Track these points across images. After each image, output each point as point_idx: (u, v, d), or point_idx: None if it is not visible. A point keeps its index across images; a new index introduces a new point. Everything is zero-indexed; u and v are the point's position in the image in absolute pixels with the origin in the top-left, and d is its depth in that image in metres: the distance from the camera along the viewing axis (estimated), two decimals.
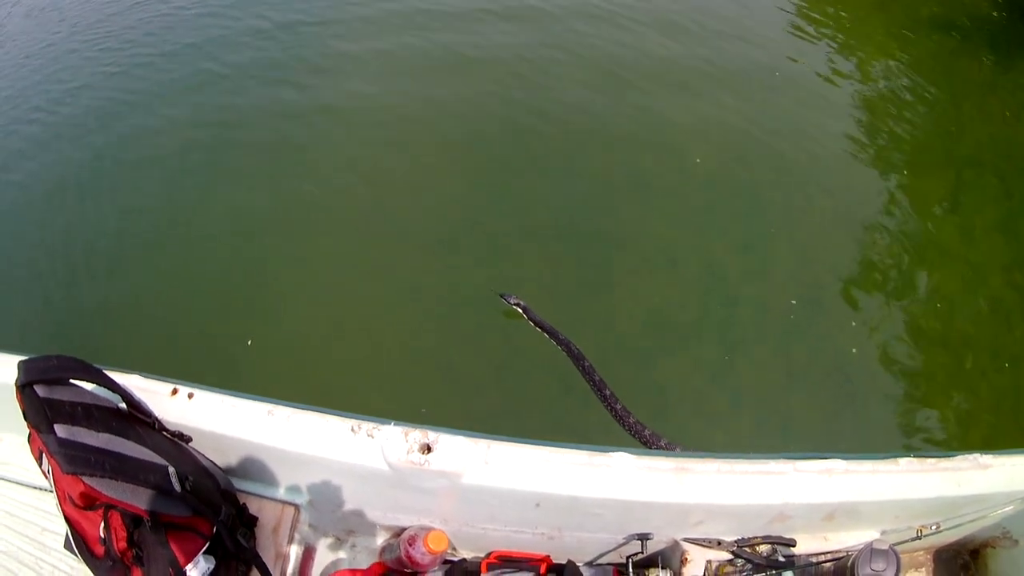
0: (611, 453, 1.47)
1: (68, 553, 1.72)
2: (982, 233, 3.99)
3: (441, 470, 1.42)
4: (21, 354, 1.74)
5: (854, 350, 3.39)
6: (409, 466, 1.42)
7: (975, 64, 5.15)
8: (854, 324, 3.48)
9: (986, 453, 1.51)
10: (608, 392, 2.46)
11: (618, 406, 2.37)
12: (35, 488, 1.83)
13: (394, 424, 1.47)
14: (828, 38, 5.33)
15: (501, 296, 3.18)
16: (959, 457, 1.50)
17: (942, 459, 1.50)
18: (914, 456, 1.49)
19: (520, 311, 3.11)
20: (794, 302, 3.52)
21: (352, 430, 1.47)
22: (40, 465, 1.55)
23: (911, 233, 3.93)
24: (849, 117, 4.62)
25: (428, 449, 1.43)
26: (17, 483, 1.85)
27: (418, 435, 1.45)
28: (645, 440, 2.22)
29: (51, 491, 1.81)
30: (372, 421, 1.48)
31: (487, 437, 1.47)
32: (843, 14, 5.63)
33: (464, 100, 4.59)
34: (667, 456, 1.48)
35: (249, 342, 3.33)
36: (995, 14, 5.69)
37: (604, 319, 3.44)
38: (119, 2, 5.96)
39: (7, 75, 5.53)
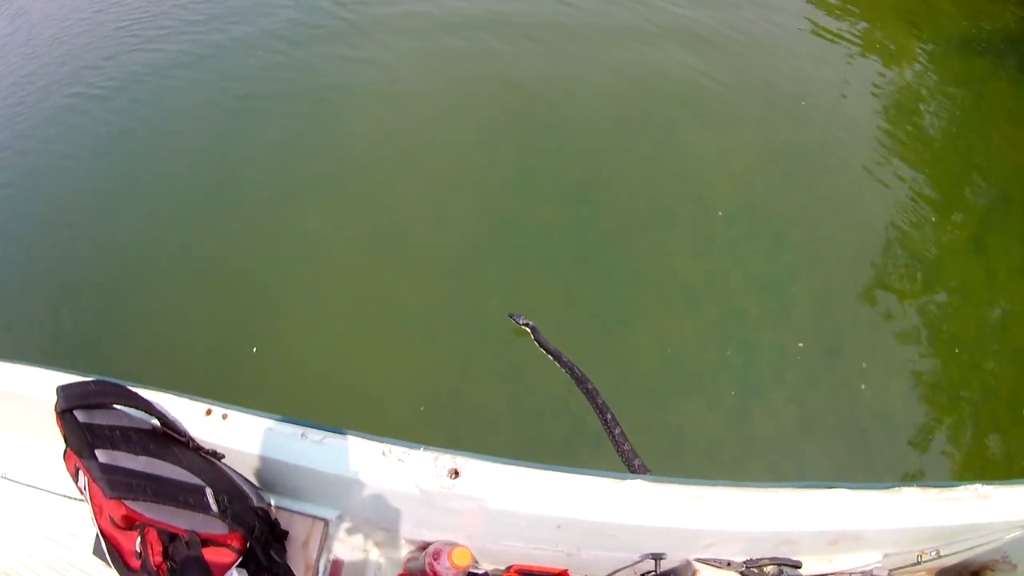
0: (629, 480, 1.53)
1: (96, 559, 1.78)
2: (1006, 276, 3.89)
3: (468, 494, 1.48)
4: (42, 366, 1.78)
5: (863, 386, 3.37)
6: (438, 489, 1.47)
7: (1006, 88, 4.96)
8: (865, 366, 3.44)
9: (987, 484, 1.58)
10: (609, 416, 2.48)
11: (616, 431, 2.40)
12: (63, 496, 1.88)
13: (424, 449, 1.52)
14: (854, 56, 5.16)
15: (510, 316, 3.20)
16: (961, 488, 1.56)
17: (944, 489, 1.57)
18: (917, 486, 1.56)
19: (528, 331, 3.12)
20: (801, 345, 3.48)
21: (383, 454, 1.52)
22: (76, 481, 1.60)
23: (934, 274, 3.84)
24: (874, 147, 4.48)
25: (456, 474, 1.49)
26: (45, 491, 1.89)
27: (447, 460, 1.50)
28: (633, 469, 2.26)
29: (81, 500, 1.89)
30: (402, 446, 1.53)
31: (512, 463, 1.52)
32: (873, 30, 5.44)
33: (480, 126, 4.48)
34: (682, 483, 1.54)
35: (255, 349, 3.38)
36: None
37: (619, 356, 3.41)
38: None
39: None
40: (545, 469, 1.52)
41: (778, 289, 3.72)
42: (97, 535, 1.64)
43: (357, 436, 1.54)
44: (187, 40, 5.42)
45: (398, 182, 4.15)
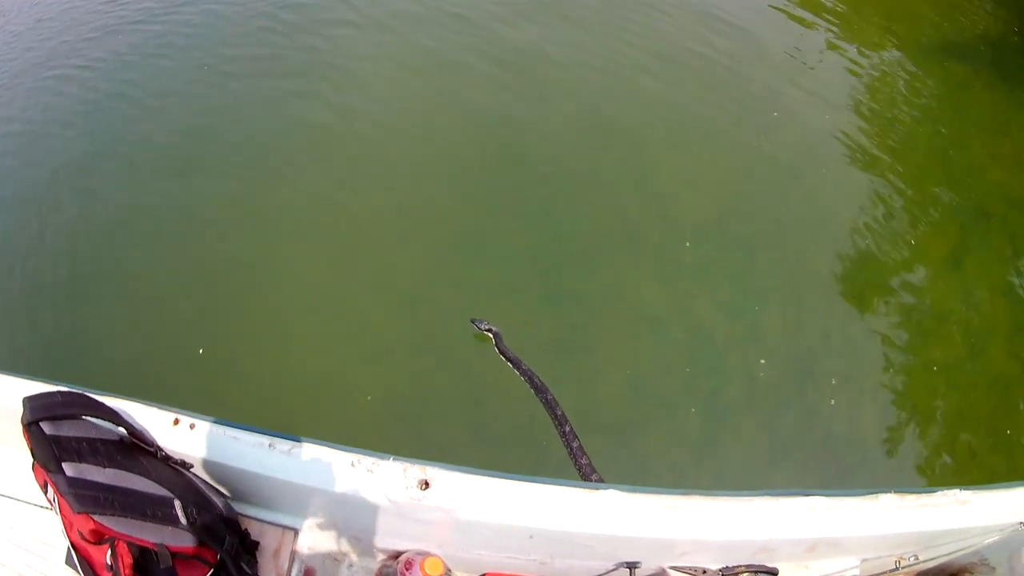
0: (602, 490, 1.52)
1: (68, 568, 1.77)
2: (986, 295, 3.77)
3: (438, 505, 1.47)
4: (15, 375, 1.77)
5: (832, 402, 3.29)
6: (408, 501, 1.47)
7: (986, 95, 4.83)
8: (833, 402, 3.33)
9: (966, 489, 1.56)
10: (568, 429, 2.44)
11: (575, 444, 2.38)
12: (35, 505, 1.88)
13: (393, 459, 1.51)
14: (827, 65, 5.00)
15: (472, 321, 3.16)
16: (939, 493, 1.55)
17: (922, 495, 1.56)
18: (895, 492, 1.55)
19: (490, 336, 3.08)
20: (769, 368, 3.36)
21: (352, 464, 1.51)
22: (45, 493, 1.59)
23: (910, 294, 3.73)
24: (848, 161, 4.34)
25: (426, 485, 1.48)
26: (17, 500, 1.89)
27: (416, 471, 1.49)
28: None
29: (53, 511, 1.88)
30: (371, 456, 1.52)
31: (483, 473, 1.52)
32: (847, 35, 5.29)
33: (441, 143, 4.29)
34: (655, 493, 1.53)
35: (200, 351, 3.31)
36: (1015, 38, 5.32)
37: (582, 383, 3.26)
38: None
39: None
40: (516, 479, 1.52)
41: (747, 311, 3.59)
42: (69, 546, 1.64)
43: (326, 446, 1.54)
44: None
45: (358, 195, 4.01)
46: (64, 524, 1.53)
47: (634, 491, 1.51)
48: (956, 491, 1.56)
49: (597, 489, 1.51)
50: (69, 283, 3.75)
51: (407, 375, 3.33)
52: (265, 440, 1.54)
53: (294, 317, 3.51)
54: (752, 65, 4.90)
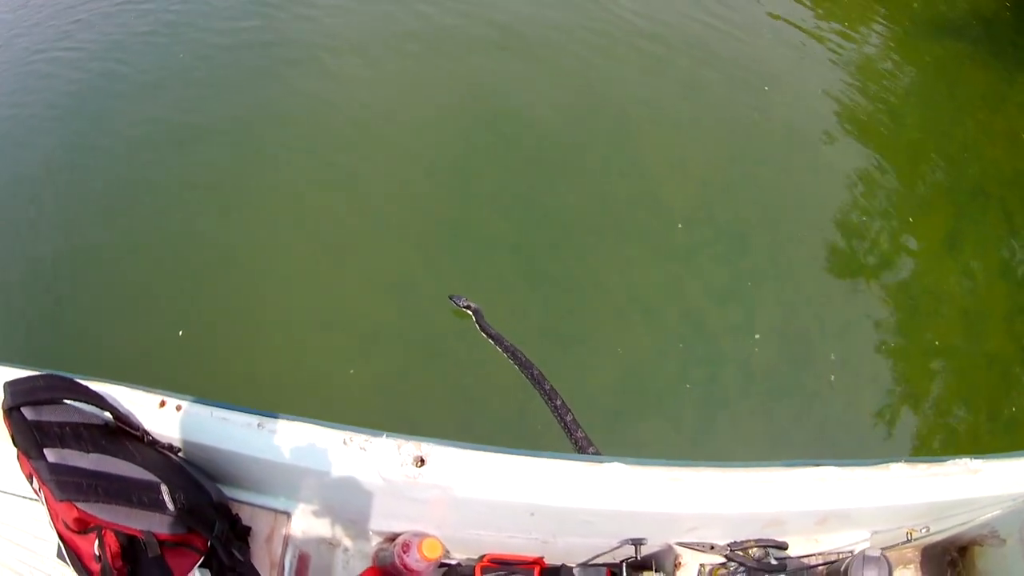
0: (605, 463, 1.47)
1: (60, 562, 1.72)
2: (983, 277, 3.68)
3: (435, 483, 1.42)
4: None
5: (832, 377, 3.22)
6: (403, 479, 1.42)
7: (980, 74, 4.70)
8: (833, 379, 3.25)
9: (976, 457, 1.52)
10: (559, 403, 2.39)
11: (568, 418, 2.32)
12: (25, 498, 1.83)
13: (386, 436, 1.46)
14: (819, 40, 4.88)
15: (451, 298, 3.09)
16: (950, 462, 1.51)
17: (933, 464, 1.51)
18: (905, 461, 1.50)
19: (470, 313, 3.01)
20: (757, 349, 3.27)
21: (344, 442, 1.46)
22: (31, 484, 1.54)
23: (907, 278, 3.63)
24: (842, 140, 4.23)
25: (421, 461, 1.43)
26: (5, 492, 1.84)
27: (411, 447, 1.44)
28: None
29: (40, 502, 1.83)
30: (364, 433, 1.46)
31: (480, 448, 1.46)
32: (836, 10, 5.16)
33: (424, 122, 4.17)
34: (660, 465, 1.48)
35: (180, 332, 3.26)
36: (1007, 14, 5.20)
37: (573, 374, 3.12)
38: None
39: None
40: (516, 454, 1.46)
41: (741, 296, 3.48)
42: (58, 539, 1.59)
43: (316, 424, 1.48)
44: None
45: (343, 178, 3.91)
46: (50, 514, 1.48)
47: (639, 463, 1.47)
48: (967, 460, 1.51)
49: (601, 463, 1.46)
50: (54, 265, 3.70)
51: (393, 362, 3.25)
52: (254, 420, 1.49)
53: (278, 300, 3.46)
54: (741, 40, 4.80)
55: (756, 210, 3.82)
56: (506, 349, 2.78)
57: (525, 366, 2.66)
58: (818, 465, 1.48)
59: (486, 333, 2.92)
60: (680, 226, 3.68)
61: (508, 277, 3.48)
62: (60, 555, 1.69)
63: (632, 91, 4.39)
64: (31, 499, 1.83)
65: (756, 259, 3.63)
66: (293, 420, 1.50)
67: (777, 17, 5.05)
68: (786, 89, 4.52)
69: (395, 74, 4.46)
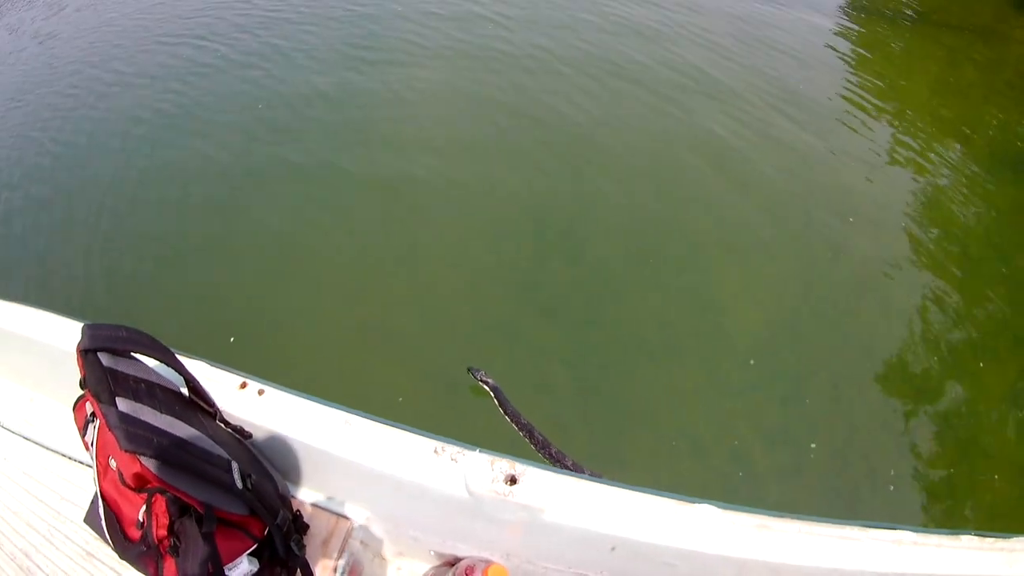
0: (697, 504, 1.39)
1: (86, 528, 1.59)
2: None
3: (525, 503, 1.32)
4: (61, 313, 1.62)
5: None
6: (492, 495, 1.31)
7: None
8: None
9: None
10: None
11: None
12: (61, 455, 1.70)
13: (479, 451, 1.37)
14: (902, 175, 4.73)
15: (469, 370, 2.96)
16: (1015, 539, 1.47)
17: (999, 539, 1.48)
18: (975, 534, 1.46)
19: (488, 390, 2.89)
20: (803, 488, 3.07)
21: (435, 452, 1.36)
22: (83, 435, 1.42)
23: (969, 438, 3.31)
24: (917, 282, 3.96)
25: (514, 480, 1.33)
26: (42, 446, 1.71)
27: (504, 465, 1.34)
28: None
29: (82, 463, 1.70)
30: (456, 445, 1.37)
31: (573, 475, 1.38)
32: (923, 145, 5.01)
33: (486, 228, 4.09)
34: (748, 512, 1.41)
35: (232, 339, 3.26)
36: None
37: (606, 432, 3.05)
38: None
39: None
40: (607, 484, 1.38)
41: (793, 443, 3.23)
42: (95, 498, 1.46)
43: (407, 430, 1.39)
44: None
45: (388, 277, 3.80)
46: (98, 469, 1.37)
47: (729, 508, 1.40)
48: None
49: (693, 503, 1.38)
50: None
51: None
52: (341, 416, 1.39)
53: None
54: (822, 171, 4.70)
55: (819, 353, 3.59)
56: (522, 427, 2.74)
57: (541, 445, 2.66)
58: (893, 528, 1.44)
59: (504, 410, 2.83)
60: (752, 362, 3.48)
61: (555, 392, 3.27)
62: (89, 520, 1.56)
63: (705, 215, 4.26)
64: (66, 456, 1.71)
65: (815, 403, 3.37)
66: (382, 423, 1.40)
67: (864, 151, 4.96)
68: (865, 223, 4.32)
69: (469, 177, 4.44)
